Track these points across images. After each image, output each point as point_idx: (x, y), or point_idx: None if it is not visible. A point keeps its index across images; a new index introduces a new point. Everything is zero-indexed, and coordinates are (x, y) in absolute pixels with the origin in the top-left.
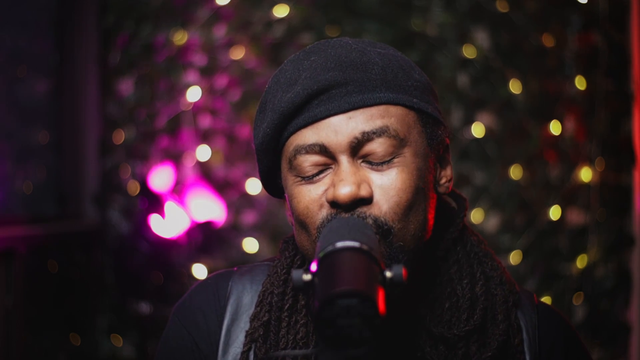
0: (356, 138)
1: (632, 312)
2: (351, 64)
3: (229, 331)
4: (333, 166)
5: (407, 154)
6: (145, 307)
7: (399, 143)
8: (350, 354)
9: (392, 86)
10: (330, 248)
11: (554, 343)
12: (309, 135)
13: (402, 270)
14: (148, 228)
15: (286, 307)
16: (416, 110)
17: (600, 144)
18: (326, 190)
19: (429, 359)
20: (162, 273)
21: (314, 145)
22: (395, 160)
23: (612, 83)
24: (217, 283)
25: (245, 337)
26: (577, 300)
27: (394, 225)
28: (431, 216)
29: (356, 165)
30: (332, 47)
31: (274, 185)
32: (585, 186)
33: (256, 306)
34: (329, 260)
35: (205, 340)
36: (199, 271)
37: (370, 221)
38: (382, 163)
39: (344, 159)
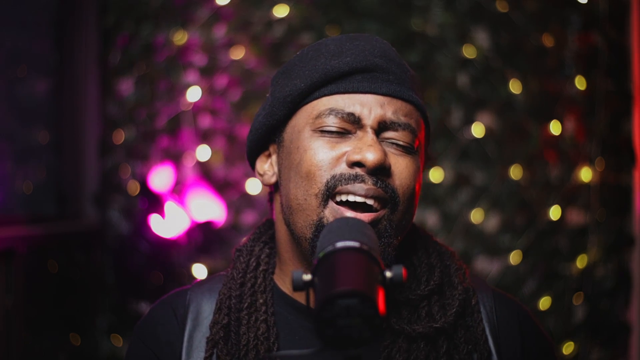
0: (384, 121)
1: (632, 312)
2: (393, 60)
3: (191, 338)
4: (356, 134)
5: (417, 155)
6: (145, 307)
7: (416, 141)
8: (350, 354)
9: (418, 94)
10: (330, 248)
11: (509, 319)
12: (347, 103)
13: (402, 270)
14: (148, 228)
15: (244, 306)
16: (426, 124)
17: (600, 144)
18: (347, 152)
19: (393, 324)
20: (162, 273)
21: (351, 114)
22: (410, 154)
23: (612, 83)
24: (174, 298)
25: (207, 343)
26: (577, 300)
27: (400, 202)
28: (414, 213)
29: (378, 141)
30: (377, 40)
31: (265, 143)
32: (585, 186)
33: (214, 313)
34: (329, 260)
35: (166, 352)
36: (199, 271)
37: (388, 190)
38: (402, 148)
39: (370, 131)
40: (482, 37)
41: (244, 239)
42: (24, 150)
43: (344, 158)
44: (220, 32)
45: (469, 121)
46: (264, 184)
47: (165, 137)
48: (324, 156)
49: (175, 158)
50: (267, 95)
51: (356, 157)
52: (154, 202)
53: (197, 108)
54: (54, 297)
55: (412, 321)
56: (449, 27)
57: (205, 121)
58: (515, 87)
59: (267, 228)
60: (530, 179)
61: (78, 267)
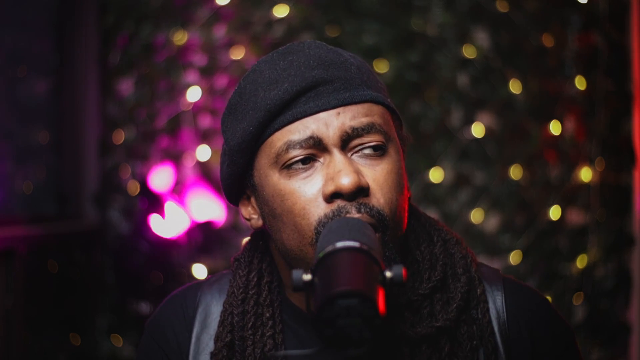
0: (347, 132)
1: (632, 312)
2: (332, 63)
3: (198, 339)
4: (322, 160)
5: (392, 151)
6: (145, 307)
7: (386, 138)
8: (350, 354)
9: (370, 85)
10: (330, 248)
11: (519, 309)
12: (300, 130)
13: (402, 270)
14: (148, 228)
15: (249, 325)
16: (390, 110)
17: (600, 144)
18: (321, 187)
19: (395, 329)
20: (162, 273)
21: (309, 138)
22: (384, 156)
23: (612, 83)
24: (186, 295)
25: (210, 358)
26: (577, 300)
27: (389, 222)
28: (406, 216)
29: (348, 157)
30: (309, 47)
31: (241, 188)
32: (585, 186)
33: (218, 326)
34: (329, 261)
35: (176, 352)
36: (199, 271)
37: (374, 214)
38: (373, 156)
39: (336, 152)
40: (482, 37)
41: (243, 244)
42: (24, 150)
43: (321, 195)
44: (220, 32)
45: (469, 121)
46: (254, 228)
47: (165, 137)
48: (303, 203)
49: (175, 158)
50: (223, 145)
51: (330, 189)
52: (154, 202)
53: (197, 108)
54: (54, 297)
55: (415, 323)
56: (449, 27)
57: (205, 121)
58: (515, 87)
59: (262, 236)
60: (530, 179)
61: (78, 267)
